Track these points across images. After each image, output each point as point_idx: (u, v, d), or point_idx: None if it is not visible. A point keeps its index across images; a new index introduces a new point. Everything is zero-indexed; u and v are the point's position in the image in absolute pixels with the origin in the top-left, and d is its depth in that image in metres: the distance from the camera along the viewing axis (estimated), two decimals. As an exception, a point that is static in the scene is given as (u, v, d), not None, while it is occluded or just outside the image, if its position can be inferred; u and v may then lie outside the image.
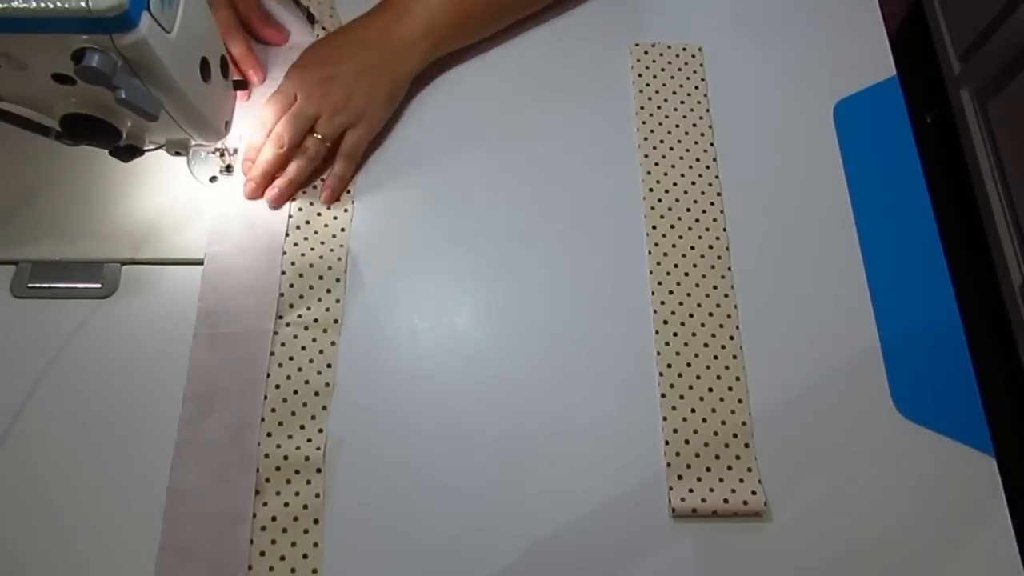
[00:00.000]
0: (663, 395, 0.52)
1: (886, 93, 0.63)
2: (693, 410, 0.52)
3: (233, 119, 0.54)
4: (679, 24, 0.66)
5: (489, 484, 0.50)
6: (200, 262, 0.55)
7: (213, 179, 0.57)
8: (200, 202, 0.56)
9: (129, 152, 0.49)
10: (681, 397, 0.52)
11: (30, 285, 0.54)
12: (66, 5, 0.37)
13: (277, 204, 0.56)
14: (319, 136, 0.56)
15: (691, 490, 0.49)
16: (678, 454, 0.50)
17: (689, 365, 0.53)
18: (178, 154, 0.53)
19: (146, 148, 0.50)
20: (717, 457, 0.50)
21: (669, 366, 0.53)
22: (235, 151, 0.57)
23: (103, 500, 0.49)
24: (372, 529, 0.49)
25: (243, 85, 0.56)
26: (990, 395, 0.53)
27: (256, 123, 0.57)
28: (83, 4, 0.37)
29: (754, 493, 0.49)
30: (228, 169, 0.57)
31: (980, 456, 0.51)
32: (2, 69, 0.42)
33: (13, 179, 0.56)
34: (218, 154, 0.56)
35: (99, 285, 0.54)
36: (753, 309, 0.55)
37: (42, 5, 0.37)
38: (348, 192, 0.58)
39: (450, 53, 0.63)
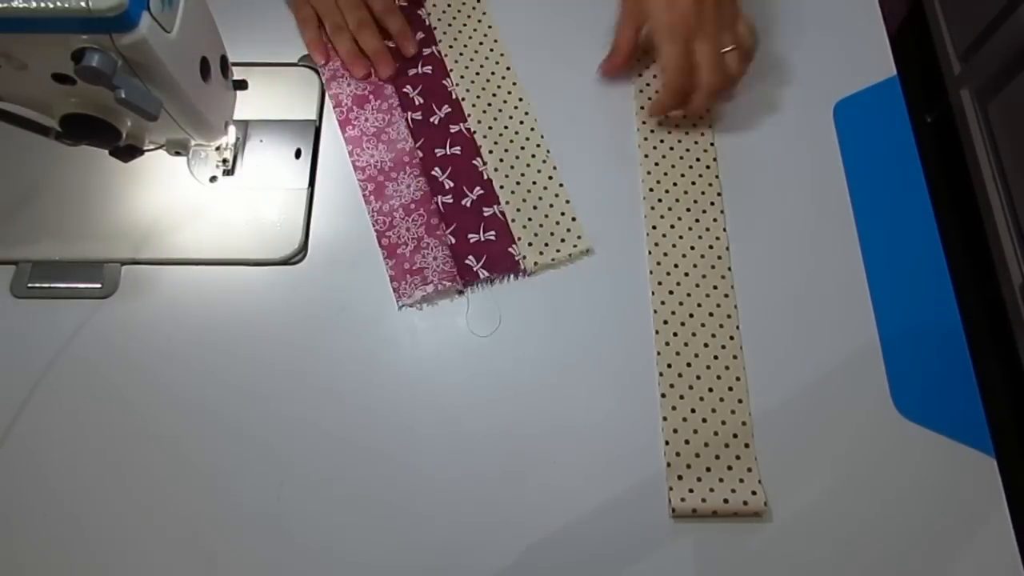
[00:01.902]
0: (663, 395, 0.52)
1: (886, 93, 0.63)
2: (693, 410, 0.52)
3: (233, 119, 0.54)
4: (679, 24, 0.66)
5: (489, 484, 0.50)
6: (200, 262, 0.55)
7: (213, 179, 0.57)
8: (200, 202, 0.56)
9: (129, 152, 0.49)
10: (681, 397, 0.52)
11: (30, 285, 0.54)
12: (66, 5, 0.37)
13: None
14: (729, 48, 0.57)
15: (691, 490, 0.49)
16: (678, 454, 0.50)
17: (689, 365, 0.53)
18: (178, 154, 0.53)
19: (146, 148, 0.50)
20: (717, 457, 0.50)
21: (669, 366, 0.53)
22: (235, 151, 0.57)
23: (103, 500, 0.49)
24: (372, 529, 0.49)
25: (243, 85, 0.56)
26: (990, 395, 0.53)
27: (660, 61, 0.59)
28: (83, 4, 0.37)
29: (754, 493, 0.49)
30: (228, 169, 0.57)
31: (980, 456, 0.51)
32: (2, 69, 0.42)
33: (13, 179, 0.57)
34: (218, 154, 0.56)
35: (99, 285, 0.54)
36: (753, 309, 0.55)
37: (42, 5, 0.37)
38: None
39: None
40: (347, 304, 0.55)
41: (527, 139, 0.60)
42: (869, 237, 0.58)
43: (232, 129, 0.55)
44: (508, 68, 0.63)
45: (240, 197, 0.57)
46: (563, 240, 0.56)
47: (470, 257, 0.56)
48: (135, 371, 0.52)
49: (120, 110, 0.44)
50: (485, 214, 0.57)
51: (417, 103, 0.61)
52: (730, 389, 0.52)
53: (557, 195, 0.58)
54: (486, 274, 0.55)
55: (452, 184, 0.58)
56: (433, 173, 0.58)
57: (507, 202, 0.58)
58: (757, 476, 0.50)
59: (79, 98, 0.44)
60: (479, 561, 0.48)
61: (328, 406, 0.52)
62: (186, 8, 0.43)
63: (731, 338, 0.54)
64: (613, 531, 0.49)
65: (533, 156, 0.60)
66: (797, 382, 0.53)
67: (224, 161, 0.56)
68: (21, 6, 0.38)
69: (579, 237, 0.56)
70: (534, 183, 0.59)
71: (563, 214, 0.57)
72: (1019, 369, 1.16)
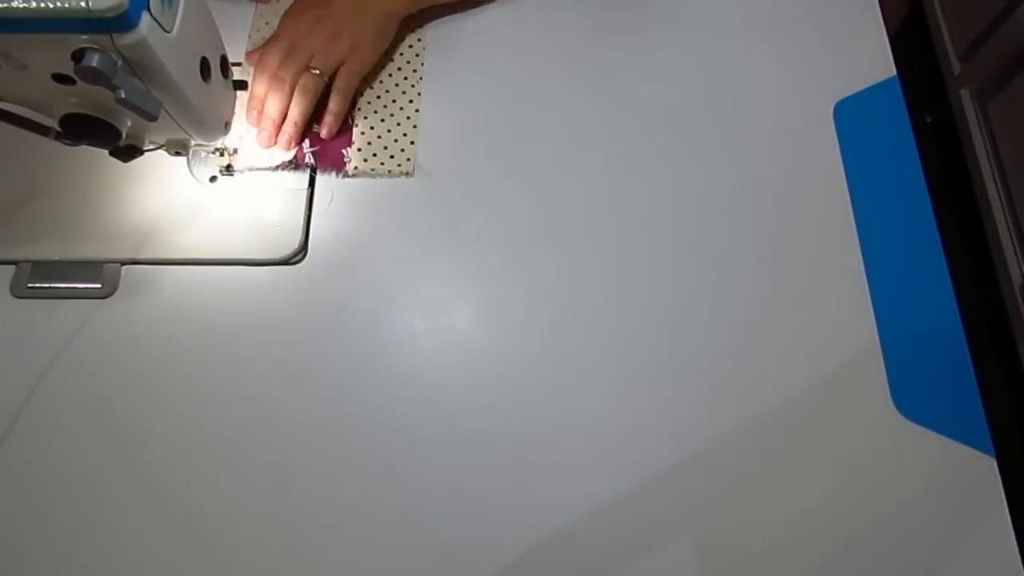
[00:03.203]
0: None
1: (886, 93, 0.63)
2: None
3: (233, 119, 0.54)
4: (679, 24, 0.66)
5: (489, 484, 0.50)
6: (200, 262, 0.55)
7: (213, 179, 0.57)
8: (200, 202, 0.56)
9: (129, 152, 0.49)
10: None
11: (30, 285, 0.54)
12: (66, 5, 0.37)
13: (288, 147, 0.59)
14: (316, 71, 0.59)
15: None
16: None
17: None
18: (178, 154, 0.53)
19: (146, 148, 0.50)
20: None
21: None
22: (235, 151, 0.57)
23: (103, 500, 0.49)
24: (372, 529, 0.49)
25: (243, 85, 0.56)
26: (990, 395, 0.53)
27: (257, 71, 0.59)
28: (83, 4, 0.37)
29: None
30: (228, 169, 0.57)
31: (980, 456, 0.51)
32: (2, 69, 0.42)
33: (13, 179, 0.56)
34: (218, 154, 0.56)
35: (99, 285, 0.54)
36: (753, 309, 0.55)
37: (42, 5, 0.37)
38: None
39: (448, 55, 0.63)
40: (347, 304, 0.55)
41: (400, 53, 0.64)
42: (869, 237, 0.58)
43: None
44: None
45: (240, 197, 0.57)
46: (392, 156, 0.60)
47: (306, 141, 0.59)
48: (135, 371, 0.52)
49: (120, 110, 0.44)
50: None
51: None
52: None
53: (409, 118, 0.61)
54: (312, 161, 0.59)
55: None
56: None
57: (359, 108, 0.62)
58: None
59: (79, 98, 0.44)
60: (479, 561, 0.48)
61: (328, 406, 0.52)
62: (186, 8, 0.43)
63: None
64: (613, 531, 0.49)
65: (405, 78, 0.63)
66: (797, 382, 0.53)
67: (224, 161, 0.56)
68: (21, 6, 0.37)
69: (407, 159, 0.60)
70: (393, 101, 0.62)
71: (404, 135, 0.61)
72: (1019, 369, 1.16)
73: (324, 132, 0.60)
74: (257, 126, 0.58)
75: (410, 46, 0.65)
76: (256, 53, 0.60)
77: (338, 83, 0.60)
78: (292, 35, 0.59)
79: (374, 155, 0.60)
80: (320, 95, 0.59)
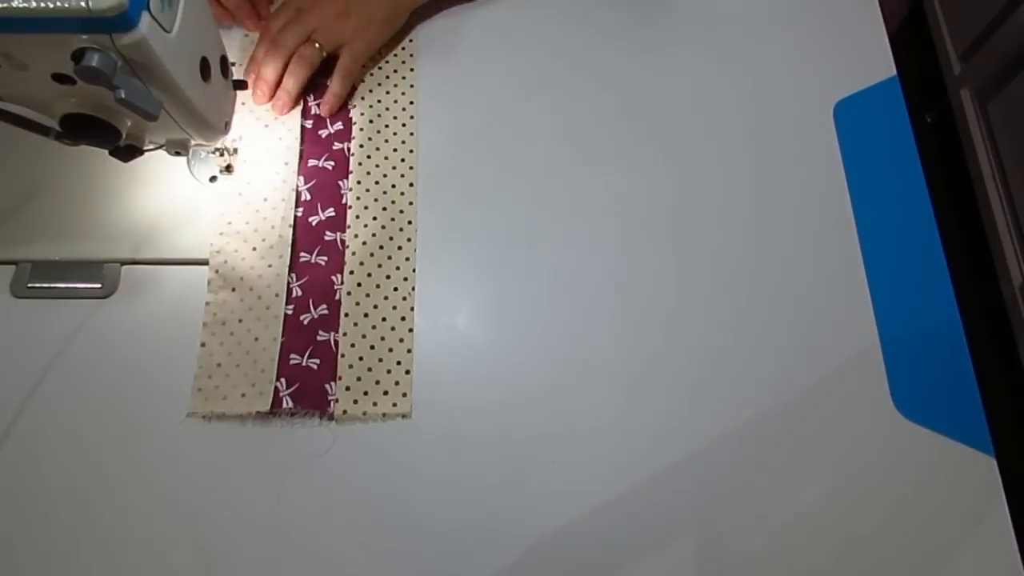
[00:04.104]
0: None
1: (886, 93, 0.63)
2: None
3: (233, 119, 0.54)
4: (679, 24, 0.66)
5: (489, 484, 0.50)
6: (200, 262, 0.55)
7: (213, 179, 0.56)
8: (200, 202, 0.56)
9: (129, 152, 0.49)
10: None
11: (30, 285, 0.54)
12: (66, 5, 0.37)
13: (282, 112, 0.59)
14: (317, 44, 0.58)
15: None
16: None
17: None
18: (178, 154, 0.53)
19: (146, 148, 0.50)
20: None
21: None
22: (235, 151, 0.57)
23: (103, 500, 0.49)
24: (372, 528, 0.49)
25: (243, 85, 0.56)
26: (990, 395, 0.53)
27: (262, 34, 0.60)
28: (83, 4, 0.37)
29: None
30: (228, 169, 0.57)
31: (980, 456, 0.51)
32: (2, 69, 0.42)
33: (13, 179, 0.56)
34: (218, 154, 0.56)
35: (99, 285, 0.54)
36: (753, 309, 0.55)
37: (42, 5, 0.37)
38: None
39: (447, 56, 0.63)
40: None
41: (396, 268, 0.55)
42: (869, 237, 0.58)
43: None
44: (407, 190, 0.58)
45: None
46: (386, 393, 0.51)
47: (282, 380, 0.51)
48: (135, 371, 0.52)
49: (120, 110, 0.44)
50: (319, 338, 0.52)
51: (304, 197, 0.57)
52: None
53: (402, 340, 0.53)
54: (290, 405, 0.50)
55: (300, 294, 0.53)
56: (289, 278, 0.54)
57: (345, 333, 0.52)
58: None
59: (79, 98, 0.44)
60: (478, 561, 0.48)
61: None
62: (186, 8, 0.43)
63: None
64: (613, 531, 0.49)
65: (395, 289, 0.55)
66: (797, 382, 0.53)
67: (224, 161, 0.56)
68: (21, 6, 0.37)
69: (403, 395, 0.51)
70: (383, 319, 0.53)
71: (399, 363, 0.52)
72: (1019, 369, 1.16)
73: (324, 110, 0.59)
74: (253, 88, 0.59)
75: (402, 74, 0.62)
76: (252, 69, 0.59)
77: (342, 63, 0.60)
78: (302, 3, 0.60)
79: (365, 393, 0.51)
80: (317, 69, 0.59)
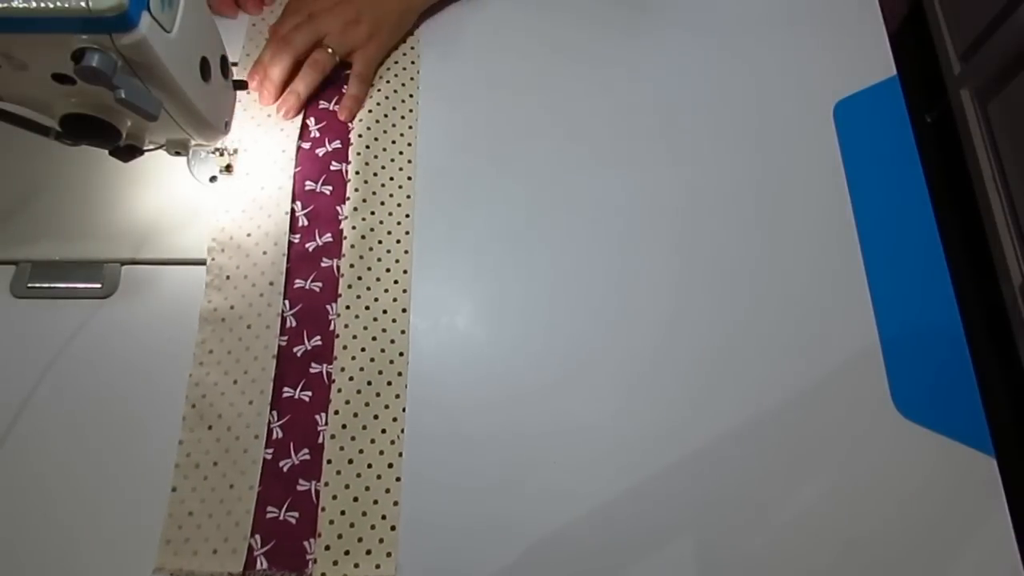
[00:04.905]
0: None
1: (886, 93, 0.63)
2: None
3: (233, 119, 0.54)
4: (679, 24, 0.66)
5: (489, 484, 0.50)
6: (200, 262, 0.55)
7: (213, 179, 0.56)
8: (200, 202, 0.56)
9: (129, 152, 0.49)
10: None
11: (30, 285, 0.54)
12: (66, 5, 0.37)
13: (289, 117, 0.58)
14: (329, 49, 0.58)
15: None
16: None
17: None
18: (178, 154, 0.53)
19: (146, 148, 0.50)
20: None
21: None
22: (235, 151, 0.57)
23: (103, 500, 0.49)
24: (372, 529, 0.49)
25: (243, 85, 0.56)
26: (990, 395, 0.53)
27: (271, 35, 0.59)
28: (83, 4, 0.37)
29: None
30: (228, 169, 0.57)
31: (980, 456, 0.51)
32: (2, 69, 0.42)
33: (13, 179, 0.56)
34: (218, 154, 0.56)
35: (99, 285, 0.54)
36: (753, 308, 0.55)
37: (42, 5, 0.37)
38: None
39: (447, 55, 0.63)
40: (347, 304, 0.55)
41: (385, 407, 0.51)
42: (869, 237, 0.58)
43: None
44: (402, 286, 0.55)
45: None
46: (368, 552, 0.47)
47: (257, 537, 0.47)
48: (135, 371, 0.52)
49: (120, 110, 0.44)
50: (300, 488, 0.48)
51: (289, 324, 0.52)
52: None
53: (389, 490, 0.49)
54: (264, 566, 0.46)
55: (281, 435, 0.50)
56: (270, 417, 0.50)
57: (327, 483, 0.48)
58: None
59: (79, 98, 0.44)
60: (478, 561, 0.48)
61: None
62: (186, 8, 0.43)
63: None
64: (613, 531, 0.49)
65: (383, 431, 0.50)
66: (797, 382, 0.53)
67: (224, 161, 0.56)
68: (21, 6, 0.37)
69: (388, 555, 0.47)
70: (369, 465, 0.49)
71: (383, 517, 0.48)
72: (1019, 369, 1.16)
73: (344, 115, 0.59)
74: (259, 89, 0.58)
75: (406, 94, 0.61)
76: (259, 71, 0.59)
77: (357, 68, 0.60)
78: (313, 8, 0.60)
79: (346, 553, 0.47)
80: (327, 74, 0.59)
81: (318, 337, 0.52)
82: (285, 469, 0.49)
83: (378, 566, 0.47)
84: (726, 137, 0.62)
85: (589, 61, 0.64)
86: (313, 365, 0.52)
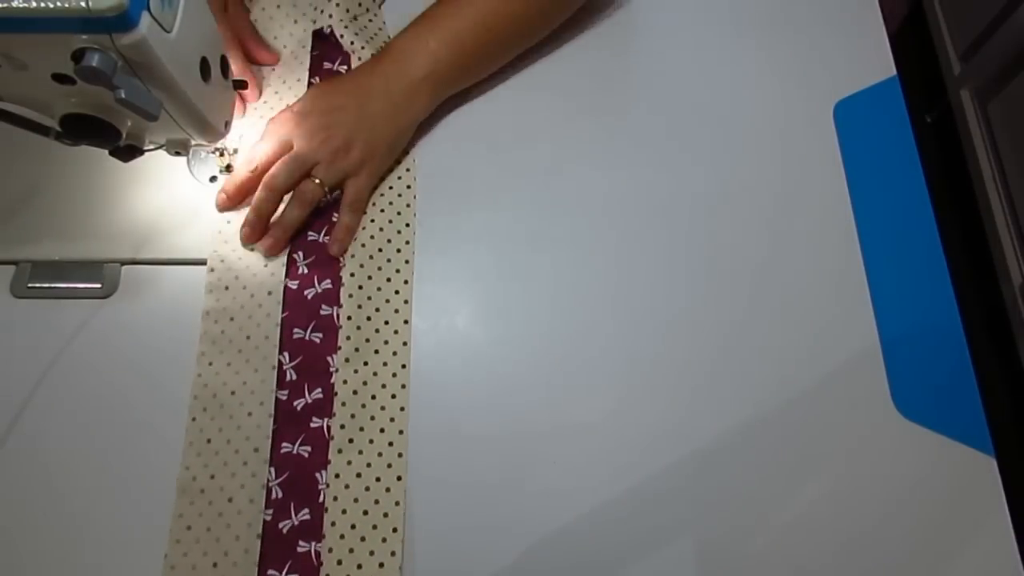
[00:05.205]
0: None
1: (886, 93, 0.63)
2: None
3: (233, 119, 0.54)
4: (679, 24, 0.66)
5: (488, 484, 0.50)
6: (200, 262, 0.55)
7: (213, 179, 0.56)
8: (200, 202, 0.56)
9: (129, 152, 0.49)
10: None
11: (30, 285, 0.54)
12: (66, 5, 0.37)
13: (273, 253, 0.54)
14: (318, 181, 0.54)
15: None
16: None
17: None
18: (178, 154, 0.53)
19: (146, 148, 0.50)
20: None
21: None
22: (235, 151, 0.57)
23: (104, 500, 0.49)
24: (372, 529, 0.49)
25: (243, 85, 0.56)
26: (990, 395, 0.53)
27: (244, 162, 0.55)
28: (83, 4, 0.37)
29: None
30: (228, 169, 0.57)
31: (980, 456, 0.51)
32: (2, 69, 0.42)
33: (13, 179, 0.56)
34: (218, 154, 0.56)
35: (99, 285, 0.54)
36: (754, 309, 0.55)
37: (42, 5, 0.37)
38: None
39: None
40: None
41: (388, 466, 0.49)
42: (869, 237, 0.58)
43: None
44: (400, 362, 0.53)
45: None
46: (371, 553, 0.47)
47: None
48: (135, 371, 0.52)
49: (120, 110, 0.44)
50: (300, 549, 0.47)
51: (288, 378, 0.51)
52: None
53: (389, 489, 0.49)
54: None
55: (281, 495, 0.48)
56: (269, 472, 0.48)
57: (331, 549, 0.47)
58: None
59: (79, 98, 0.44)
60: (478, 561, 0.48)
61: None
62: (186, 8, 0.43)
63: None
64: (612, 531, 0.49)
65: (378, 480, 0.49)
66: (797, 382, 0.53)
67: (224, 161, 0.56)
68: (21, 6, 0.37)
69: (392, 554, 0.47)
70: (368, 465, 0.49)
71: (386, 515, 0.48)
72: (1019, 369, 1.16)
73: (335, 249, 0.54)
74: (243, 224, 0.54)
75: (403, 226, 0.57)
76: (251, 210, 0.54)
77: (348, 198, 0.55)
78: (294, 138, 0.55)
79: (350, 551, 0.47)
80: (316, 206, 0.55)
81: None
82: (285, 531, 0.48)
83: (382, 564, 0.47)
84: (726, 137, 0.62)
85: (589, 61, 0.64)
86: (314, 419, 0.51)
